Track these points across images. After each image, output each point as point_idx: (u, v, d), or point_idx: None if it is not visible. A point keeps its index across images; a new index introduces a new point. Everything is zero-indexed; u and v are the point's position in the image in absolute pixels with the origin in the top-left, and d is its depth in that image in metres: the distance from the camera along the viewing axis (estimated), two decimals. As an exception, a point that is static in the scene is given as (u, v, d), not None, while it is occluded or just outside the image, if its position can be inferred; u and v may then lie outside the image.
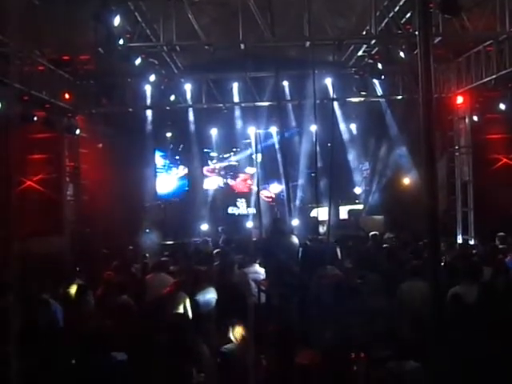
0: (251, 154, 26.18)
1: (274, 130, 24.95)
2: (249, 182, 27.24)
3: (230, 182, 27.42)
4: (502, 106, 18.25)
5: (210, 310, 10.48)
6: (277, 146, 24.93)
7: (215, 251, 15.34)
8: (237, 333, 8.07)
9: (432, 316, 5.96)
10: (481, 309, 8.88)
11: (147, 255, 15.96)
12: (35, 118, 17.15)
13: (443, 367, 6.03)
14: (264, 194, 25.40)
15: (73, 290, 11.00)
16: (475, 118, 20.19)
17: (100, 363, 7.28)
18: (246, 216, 26.24)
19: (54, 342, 8.37)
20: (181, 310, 10.19)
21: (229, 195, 27.08)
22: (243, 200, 26.92)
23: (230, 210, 26.78)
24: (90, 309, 10.20)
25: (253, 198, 26.41)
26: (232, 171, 27.48)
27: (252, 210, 26.22)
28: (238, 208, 26.87)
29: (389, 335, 7.71)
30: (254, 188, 26.67)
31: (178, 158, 26.82)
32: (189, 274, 12.05)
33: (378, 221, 22.43)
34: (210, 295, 10.86)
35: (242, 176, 27.41)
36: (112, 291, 10.98)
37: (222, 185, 27.44)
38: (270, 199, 26.42)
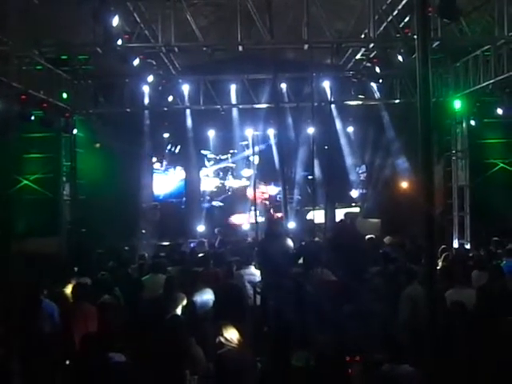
0: (248, 156, 26.11)
1: (271, 132, 24.90)
2: (265, 195, 26.86)
3: (249, 191, 26.88)
4: (500, 111, 18.29)
5: (207, 311, 10.49)
6: (274, 148, 24.86)
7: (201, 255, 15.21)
8: (231, 335, 8.05)
9: (428, 320, 5.97)
10: (480, 314, 8.93)
11: (146, 255, 15.97)
12: (33, 117, 17.17)
13: (440, 371, 6.04)
14: (260, 189, 25.27)
15: (68, 289, 11.00)
16: (472, 123, 20.23)
17: (97, 364, 7.28)
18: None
19: (50, 342, 8.38)
20: (178, 311, 10.18)
21: (243, 202, 26.61)
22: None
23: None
24: (88, 308, 10.17)
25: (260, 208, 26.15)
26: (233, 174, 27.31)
27: (260, 219, 25.97)
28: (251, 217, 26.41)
29: (384, 338, 7.72)
30: (266, 202, 26.44)
31: (175, 159, 26.73)
32: (186, 275, 12.06)
33: (374, 224, 22.41)
34: (207, 296, 10.87)
35: (261, 188, 26.84)
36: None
37: (218, 185, 27.23)
38: (265, 198, 26.19)
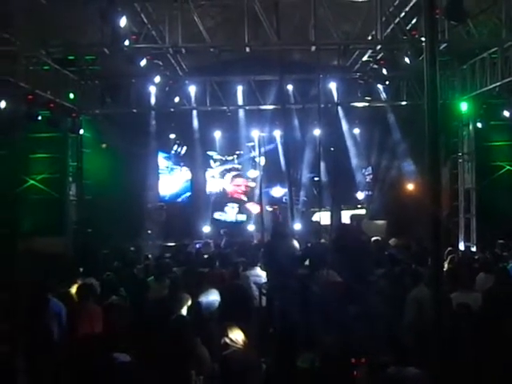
0: (254, 157, 26.14)
1: (277, 133, 24.91)
2: (242, 188, 26.99)
3: (226, 186, 27.21)
4: (506, 113, 18.26)
5: (213, 311, 10.47)
6: (280, 150, 24.87)
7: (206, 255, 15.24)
8: (236, 336, 8.03)
9: (434, 322, 5.95)
10: (485, 316, 8.91)
11: (149, 256, 15.97)
12: (39, 118, 17.21)
13: (446, 374, 6.03)
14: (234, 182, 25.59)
15: (74, 289, 11.01)
16: (479, 125, 20.19)
17: (102, 364, 7.27)
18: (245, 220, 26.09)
19: (56, 341, 8.38)
20: (184, 311, 10.17)
21: (222, 199, 26.92)
22: (235, 205, 26.69)
23: (217, 215, 26.56)
24: (93, 309, 10.17)
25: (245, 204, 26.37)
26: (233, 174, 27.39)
27: (242, 217, 26.00)
28: (226, 213, 26.56)
29: (390, 340, 7.70)
30: (243, 197, 26.60)
31: (181, 159, 26.75)
32: (191, 275, 12.05)
33: (380, 226, 22.38)
34: (213, 297, 10.85)
35: (237, 180, 27.16)
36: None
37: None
38: (242, 191, 26.44)
